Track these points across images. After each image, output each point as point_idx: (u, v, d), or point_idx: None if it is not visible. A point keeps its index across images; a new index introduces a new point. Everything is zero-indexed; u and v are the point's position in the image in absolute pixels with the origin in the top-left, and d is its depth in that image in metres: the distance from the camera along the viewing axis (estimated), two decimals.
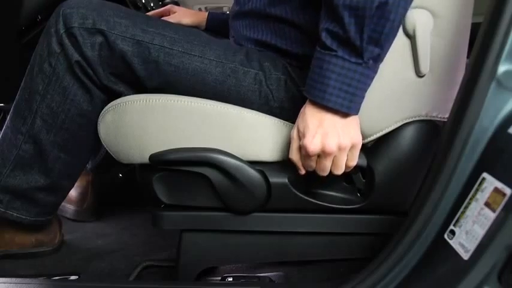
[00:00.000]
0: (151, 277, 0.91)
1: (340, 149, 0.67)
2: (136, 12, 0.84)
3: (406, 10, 0.65)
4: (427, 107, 0.74)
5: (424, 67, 0.71)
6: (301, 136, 0.69)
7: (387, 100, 0.72)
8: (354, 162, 0.70)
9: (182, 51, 0.78)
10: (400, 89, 0.72)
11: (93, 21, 0.76)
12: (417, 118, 0.74)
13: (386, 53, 0.67)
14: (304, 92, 0.69)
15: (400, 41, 0.70)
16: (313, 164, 0.70)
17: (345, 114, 0.67)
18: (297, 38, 0.81)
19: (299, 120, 0.70)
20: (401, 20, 0.65)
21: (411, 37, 0.70)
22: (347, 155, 0.69)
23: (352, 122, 0.68)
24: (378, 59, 0.66)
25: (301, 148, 0.69)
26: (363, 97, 0.67)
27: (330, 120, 0.67)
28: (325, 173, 0.71)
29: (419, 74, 0.72)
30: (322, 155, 0.68)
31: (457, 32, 0.72)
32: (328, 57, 0.65)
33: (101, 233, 1.13)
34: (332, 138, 0.66)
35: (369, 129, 0.73)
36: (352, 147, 0.69)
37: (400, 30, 0.70)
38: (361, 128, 0.71)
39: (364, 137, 0.73)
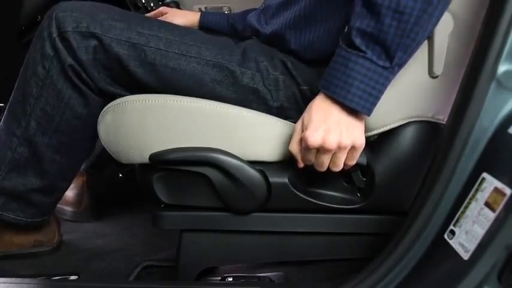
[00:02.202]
0: (151, 277, 0.91)
1: (340, 147, 0.67)
2: (131, 14, 0.84)
3: (438, 21, 0.64)
4: (434, 108, 0.74)
5: (438, 68, 0.70)
6: (304, 128, 0.69)
7: (396, 97, 0.72)
8: (352, 162, 0.70)
9: (178, 53, 0.78)
10: (410, 87, 0.72)
11: (87, 25, 0.76)
12: (422, 119, 0.74)
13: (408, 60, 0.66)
14: (320, 86, 0.68)
15: None
16: (311, 158, 0.70)
17: (352, 112, 0.67)
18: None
19: (305, 113, 0.70)
20: (431, 31, 0.65)
21: (429, 37, 0.70)
22: (347, 154, 0.69)
23: (358, 122, 0.68)
24: (402, 65, 0.65)
25: (302, 140, 0.69)
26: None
27: (336, 116, 0.66)
28: (322, 169, 0.70)
29: (432, 74, 0.71)
30: (321, 150, 0.68)
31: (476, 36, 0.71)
32: (354, 57, 0.64)
33: (100, 233, 1.13)
34: (334, 135, 0.66)
35: (374, 123, 0.73)
36: (353, 148, 0.68)
37: None
38: (366, 121, 0.71)
39: (367, 130, 0.73)
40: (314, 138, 0.66)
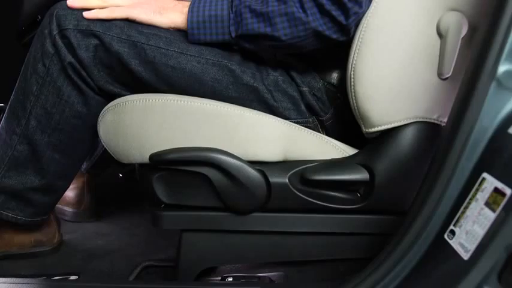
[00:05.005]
0: (151, 277, 0.91)
1: None
2: None
3: None
4: (440, 111, 0.74)
5: (447, 69, 0.70)
6: None
7: (404, 95, 0.72)
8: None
9: (178, 51, 0.78)
10: (418, 87, 0.72)
11: (88, 23, 0.76)
12: (426, 120, 0.74)
13: None
14: None
15: (430, 40, 0.70)
16: None
17: None
18: None
19: None
20: None
21: (442, 36, 0.70)
22: None
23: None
24: None
25: None
26: None
27: None
28: None
29: (440, 76, 0.71)
30: None
31: None
32: None
33: (100, 233, 1.13)
34: None
35: (379, 119, 0.73)
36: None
37: (433, 29, 0.70)
38: (371, 117, 0.71)
39: (371, 125, 0.73)
40: None
